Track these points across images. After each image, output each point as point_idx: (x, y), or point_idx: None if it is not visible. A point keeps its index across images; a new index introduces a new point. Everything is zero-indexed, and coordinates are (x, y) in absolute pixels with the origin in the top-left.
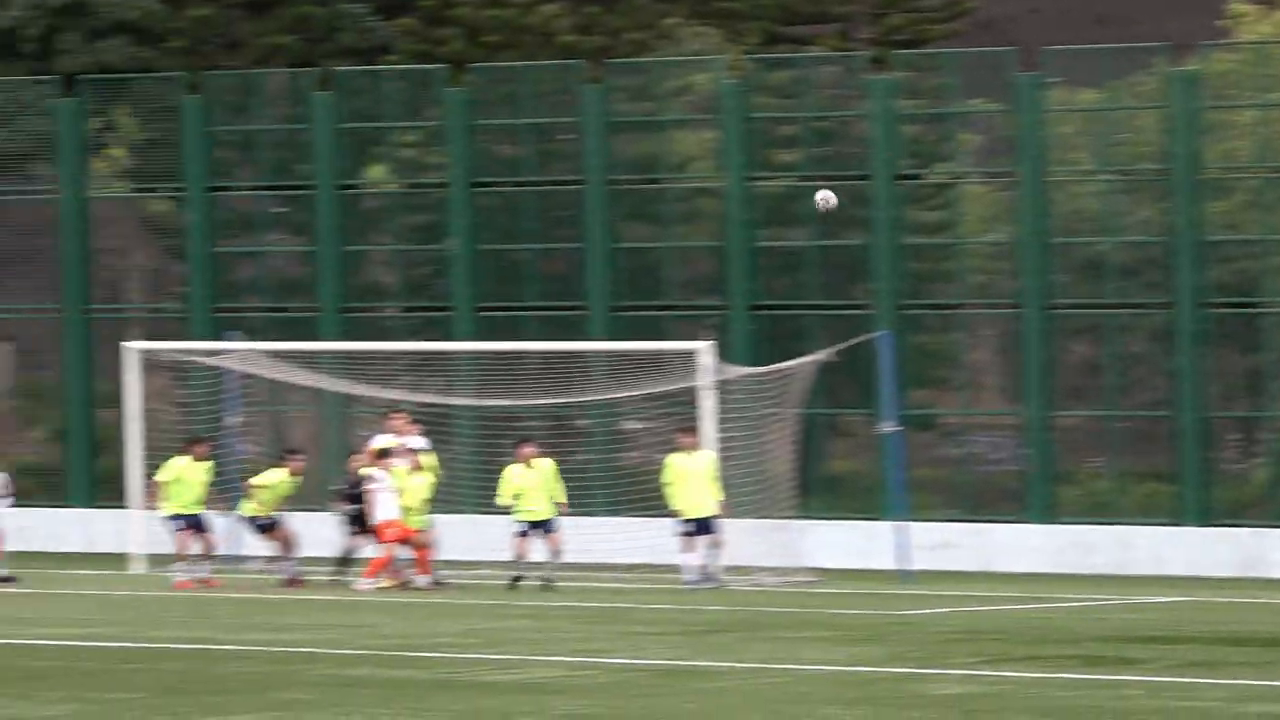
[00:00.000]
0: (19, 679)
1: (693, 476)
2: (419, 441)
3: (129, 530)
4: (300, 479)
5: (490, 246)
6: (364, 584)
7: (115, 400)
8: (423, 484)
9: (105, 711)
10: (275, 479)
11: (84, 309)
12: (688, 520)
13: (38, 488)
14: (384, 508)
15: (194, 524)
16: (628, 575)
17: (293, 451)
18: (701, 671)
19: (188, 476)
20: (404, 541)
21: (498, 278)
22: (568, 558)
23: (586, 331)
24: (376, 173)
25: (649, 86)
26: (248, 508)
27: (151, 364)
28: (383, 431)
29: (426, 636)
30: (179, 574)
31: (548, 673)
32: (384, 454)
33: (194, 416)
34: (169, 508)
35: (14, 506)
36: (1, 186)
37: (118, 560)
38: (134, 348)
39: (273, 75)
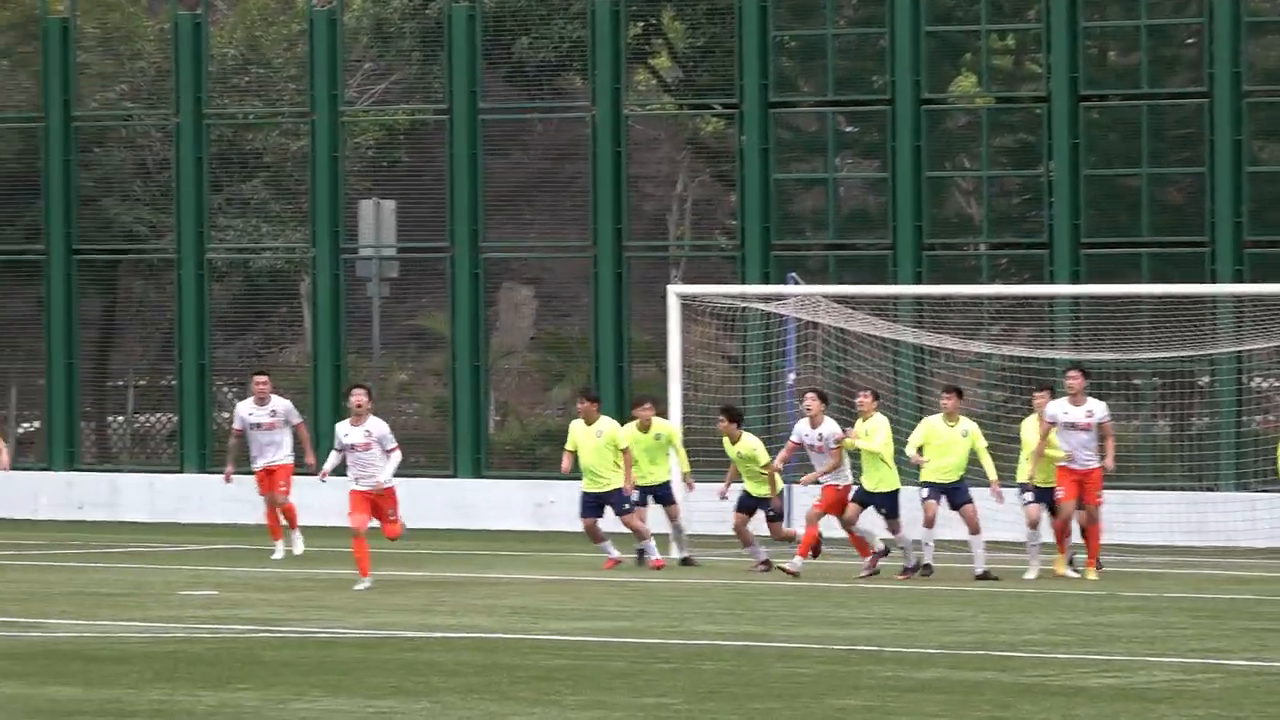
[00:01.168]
0: (534, 679)
1: None
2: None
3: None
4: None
5: (1097, 171)
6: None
7: (654, 353)
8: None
9: (631, 718)
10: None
11: (618, 247)
12: None
13: (560, 457)
14: None
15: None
16: (1260, 560)
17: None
18: None
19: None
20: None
21: (1105, 209)
22: (1184, 539)
23: (1211, 271)
24: (965, 85)
25: None
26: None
27: (697, 311)
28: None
29: (1012, 633)
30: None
31: (1155, 676)
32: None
33: (747, 373)
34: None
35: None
36: (527, 102)
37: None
38: (677, 292)
39: None
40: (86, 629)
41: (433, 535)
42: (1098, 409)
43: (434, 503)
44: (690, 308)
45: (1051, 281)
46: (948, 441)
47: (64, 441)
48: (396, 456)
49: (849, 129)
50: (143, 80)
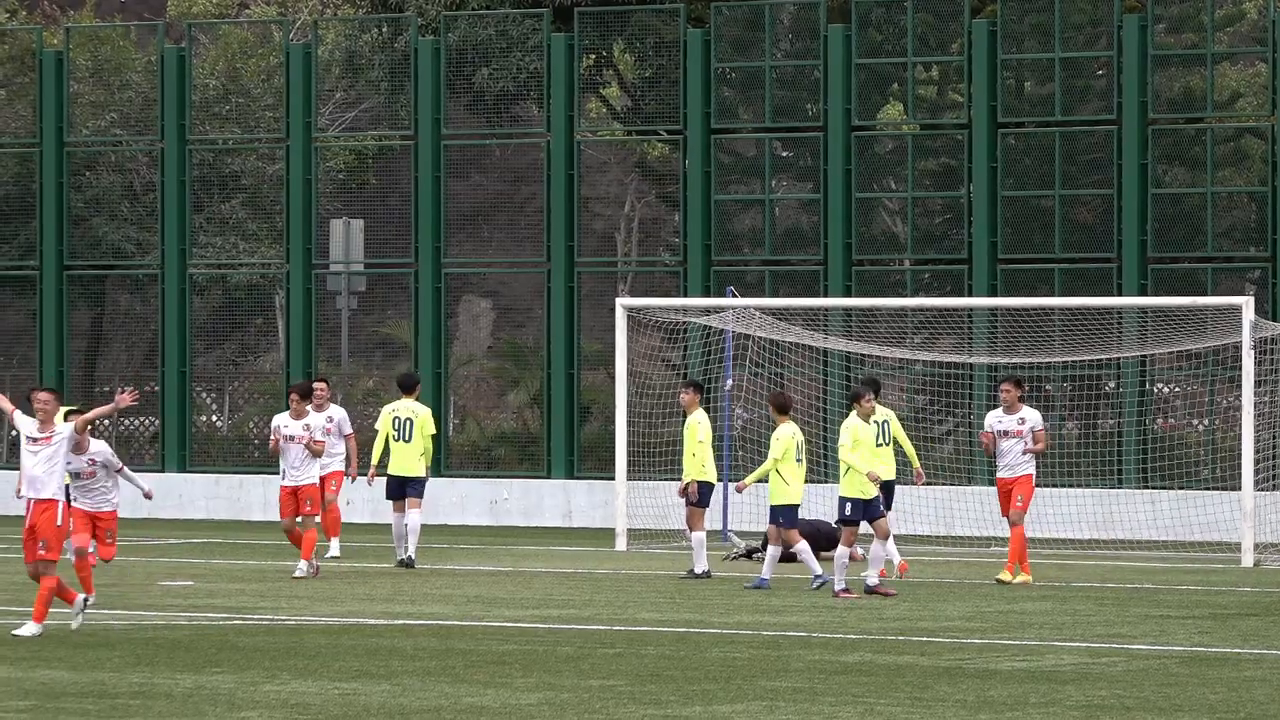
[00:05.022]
0: (488, 663)
1: None
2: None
3: (613, 504)
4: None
5: (1014, 193)
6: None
7: (601, 362)
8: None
9: (579, 700)
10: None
11: (570, 262)
12: None
13: (514, 457)
14: None
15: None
16: (1160, 553)
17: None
18: (1229, 659)
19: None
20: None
21: (1021, 227)
22: (1090, 532)
23: (1118, 285)
24: (892, 113)
25: (1192, 16)
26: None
27: (642, 322)
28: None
29: (930, 619)
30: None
31: (1063, 660)
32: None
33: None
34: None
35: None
36: (486, 128)
37: (599, 536)
38: (624, 304)
39: (781, 6)
40: (71, 617)
41: None
42: (1030, 417)
43: None
44: (636, 319)
45: (971, 294)
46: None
47: None
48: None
49: (785, 154)
50: (131, 109)
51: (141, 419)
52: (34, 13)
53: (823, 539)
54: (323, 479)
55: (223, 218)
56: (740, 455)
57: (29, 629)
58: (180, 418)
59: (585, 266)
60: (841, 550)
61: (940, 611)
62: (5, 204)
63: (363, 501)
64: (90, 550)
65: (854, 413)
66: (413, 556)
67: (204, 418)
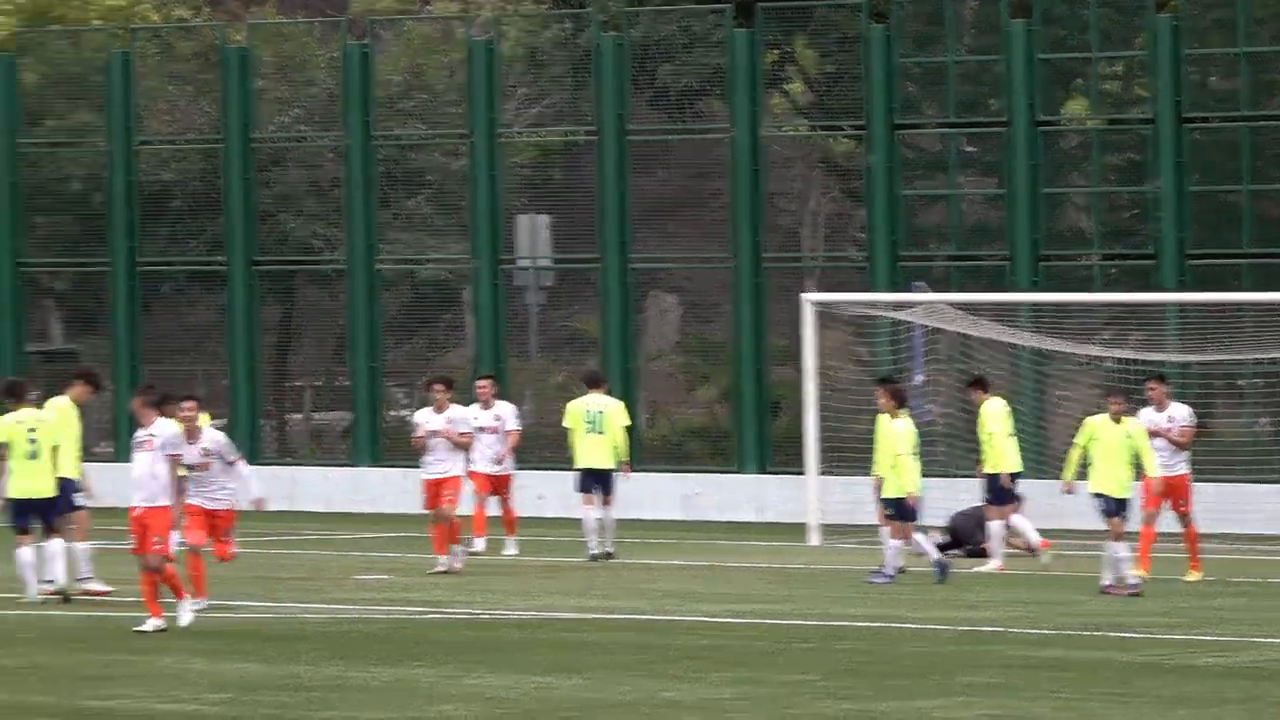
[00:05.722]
0: (683, 658)
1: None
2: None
3: (805, 499)
4: None
5: (1201, 188)
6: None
7: (790, 357)
8: None
9: (774, 695)
10: None
11: (756, 258)
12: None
13: (706, 452)
14: None
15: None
16: None
17: None
18: None
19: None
20: None
21: (1209, 222)
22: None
23: None
24: (1076, 107)
25: None
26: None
27: (829, 317)
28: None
29: (1130, 615)
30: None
31: (1262, 655)
32: None
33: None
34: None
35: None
36: (669, 124)
37: (791, 531)
38: (811, 300)
39: (963, 2)
40: (269, 610)
41: None
42: (1179, 413)
43: None
44: (824, 314)
45: (1159, 290)
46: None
47: (247, 438)
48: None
49: (969, 149)
50: (315, 105)
51: (334, 414)
52: (218, 9)
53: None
54: (497, 478)
55: (409, 214)
56: (938, 450)
57: (151, 624)
58: (371, 413)
59: (771, 262)
60: (1115, 546)
61: (1137, 607)
62: (192, 200)
63: (554, 496)
64: (206, 548)
65: (1106, 413)
66: (610, 551)
67: (393, 412)
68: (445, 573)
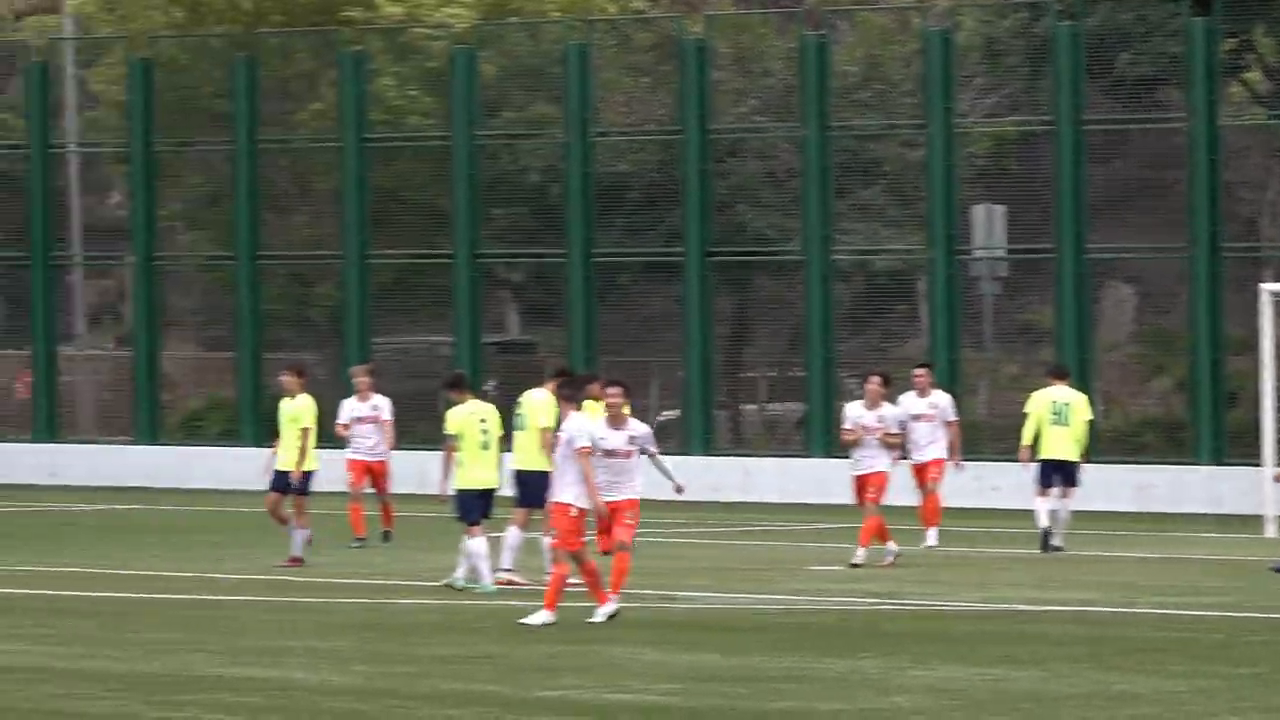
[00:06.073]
0: (1136, 650)
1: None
2: None
3: (1261, 491)
4: None
5: None
6: None
7: (1247, 347)
8: None
9: (1229, 688)
10: None
11: (1214, 248)
12: None
13: (1160, 443)
14: None
15: None
16: None
17: None
18: None
19: None
20: None
21: None
22: None
23: None
24: None
25: None
26: None
27: None
28: None
29: None
30: None
31: None
32: None
33: None
34: None
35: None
36: (1125, 114)
37: (1247, 523)
38: (1269, 289)
39: None
40: (721, 601)
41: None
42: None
43: None
44: None
45: None
46: None
47: (701, 429)
48: None
49: None
50: (772, 96)
51: (787, 405)
52: (675, 1)
53: None
54: (923, 465)
55: (864, 204)
56: None
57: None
58: (825, 403)
59: (1229, 252)
60: None
61: None
62: (649, 191)
63: (1008, 487)
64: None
65: None
66: (1060, 545)
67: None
68: (859, 566)
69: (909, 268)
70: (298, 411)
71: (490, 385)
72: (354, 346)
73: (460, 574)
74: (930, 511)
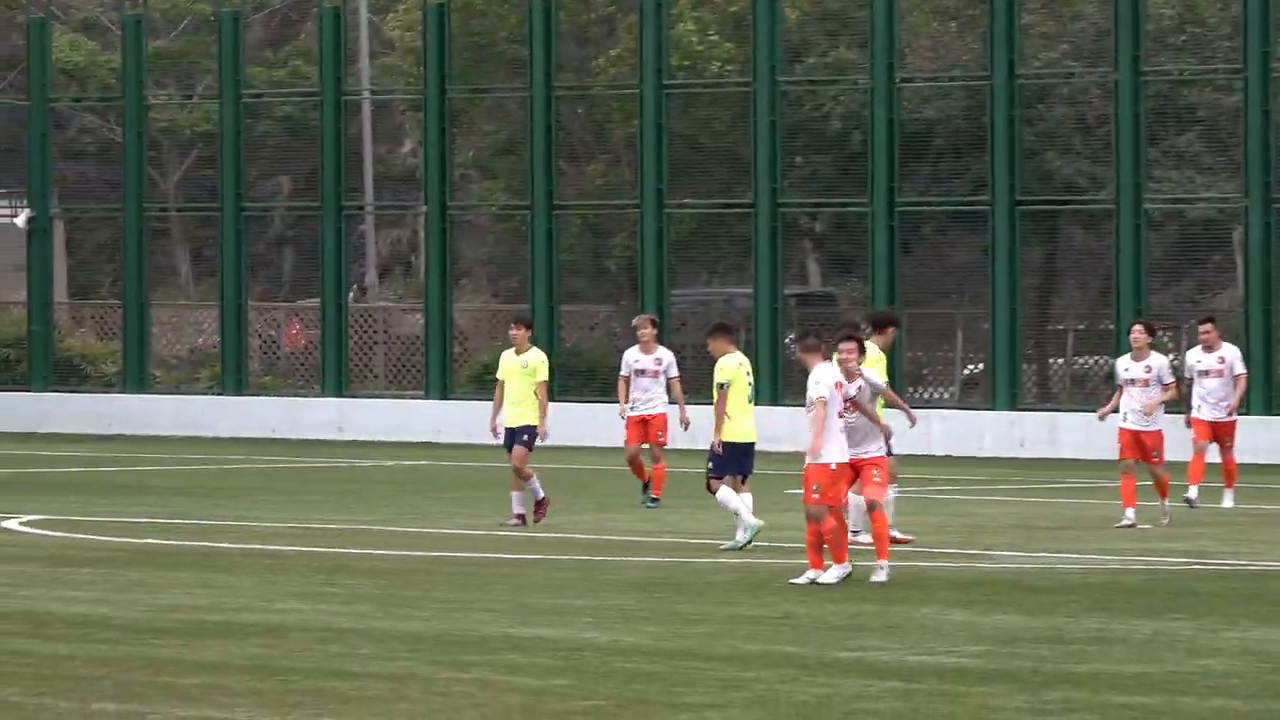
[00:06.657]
0: None
1: None
2: None
3: None
4: None
5: None
6: None
7: None
8: None
9: None
10: None
11: None
12: None
13: None
14: None
15: None
16: None
17: None
18: None
19: None
20: None
21: None
22: None
23: None
24: None
25: None
26: None
27: None
28: None
29: None
30: None
31: None
32: None
33: None
34: None
35: None
36: None
37: None
38: None
39: None
40: (1026, 560)
41: None
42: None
43: None
44: None
45: None
46: None
47: (1007, 382)
48: None
49: None
50: (1083, 40)
51: (1096, 358)
52: None
53: None
54: (1214, 424)
55: (1179, 151)
56: None
57: (833, 573)
58: None
59: None
60: None
61: None
62: (956, 138)
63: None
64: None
65: None
66: None
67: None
68: (1130, 526)
69: (1224, 216)
70: (534, 365)
71: (791, 339)
72: (651, 298)
73: (741, 535)
74: (1226, 474)
